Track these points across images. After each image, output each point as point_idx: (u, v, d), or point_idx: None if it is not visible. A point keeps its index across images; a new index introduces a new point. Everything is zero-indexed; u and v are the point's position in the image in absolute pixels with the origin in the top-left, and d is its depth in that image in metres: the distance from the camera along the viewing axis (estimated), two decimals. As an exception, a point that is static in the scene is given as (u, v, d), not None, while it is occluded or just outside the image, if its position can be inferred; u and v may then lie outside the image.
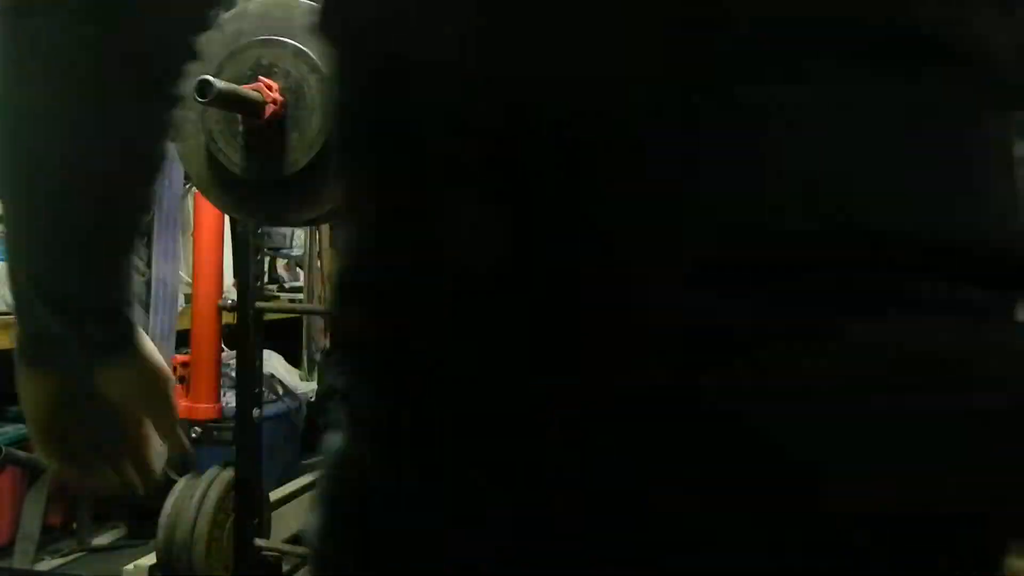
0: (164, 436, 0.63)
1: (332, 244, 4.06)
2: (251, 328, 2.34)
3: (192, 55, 0.57)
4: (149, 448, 0.64)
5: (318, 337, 4.01)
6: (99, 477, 0.64)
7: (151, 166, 0.59)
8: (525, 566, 0.44)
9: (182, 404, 2.87)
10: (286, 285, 3.79)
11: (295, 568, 2.57)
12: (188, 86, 1.15)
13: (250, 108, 1.21)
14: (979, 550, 0.43)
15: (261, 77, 1.22)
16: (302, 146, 1.23)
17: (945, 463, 0.39)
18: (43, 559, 2.84)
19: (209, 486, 2.50)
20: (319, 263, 4.02)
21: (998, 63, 0.39)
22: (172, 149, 3.06)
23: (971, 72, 0.38)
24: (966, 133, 0.39)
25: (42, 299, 0.56)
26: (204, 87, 1.13)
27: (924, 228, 0.37)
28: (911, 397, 0.38)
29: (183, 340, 3.06)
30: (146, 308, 3.04)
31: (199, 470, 2.62)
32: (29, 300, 0.56)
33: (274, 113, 1.23)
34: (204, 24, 0.56)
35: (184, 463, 3.08)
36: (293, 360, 3.66)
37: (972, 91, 0.39)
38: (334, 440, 0.50)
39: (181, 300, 3.26)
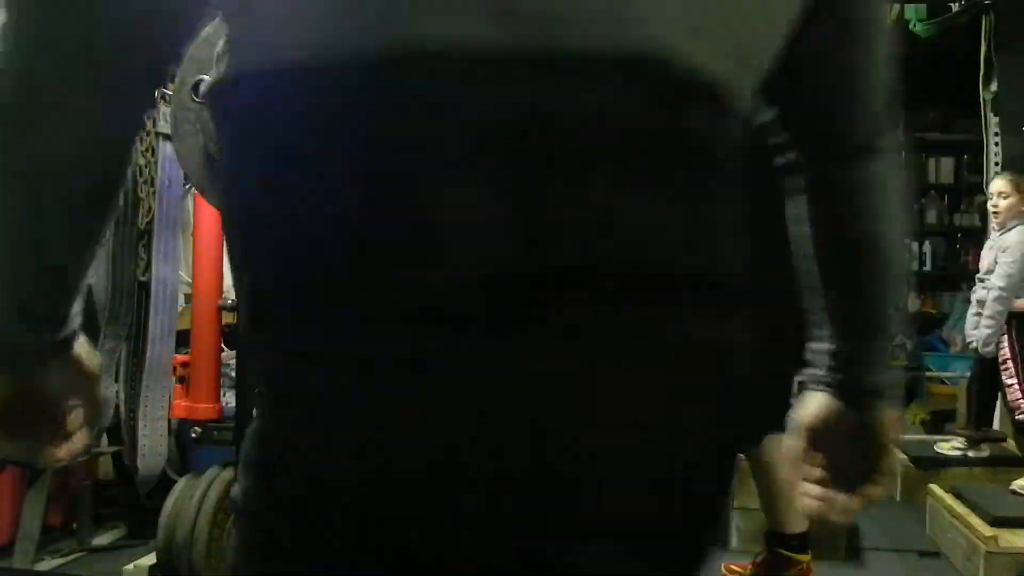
0: (90, 418, 0.74)
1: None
2: (251, 328, 2.33)
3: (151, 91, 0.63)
4: (73, 426, 0.75)
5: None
6: (42, 453, 0.74)
7: (111, 189, 0.64)
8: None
9: (182, 404, 2.87)
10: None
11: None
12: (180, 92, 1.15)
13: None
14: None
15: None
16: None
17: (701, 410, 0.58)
18: (43, 559, 2.84)
19: (209, 486, 2.50)
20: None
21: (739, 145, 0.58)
22: (170, 149, 3.02)
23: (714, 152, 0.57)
24: (720, 197, 0.58)
25: (13, 311, 0.64)
26: (201, 87, 1.13)
27: (682, 256, 0.56)
28: (670, 368, 0.56)
29: (183, 340, 3.06)
30: (146, 308, 3.05)
31: (199, 470, 2.62)
32: None
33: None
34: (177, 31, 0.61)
35: (181, 461, 3.09)
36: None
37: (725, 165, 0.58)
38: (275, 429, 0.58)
39: (181, 300, 3.26)
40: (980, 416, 3.80)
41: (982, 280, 3.59)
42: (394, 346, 0.52)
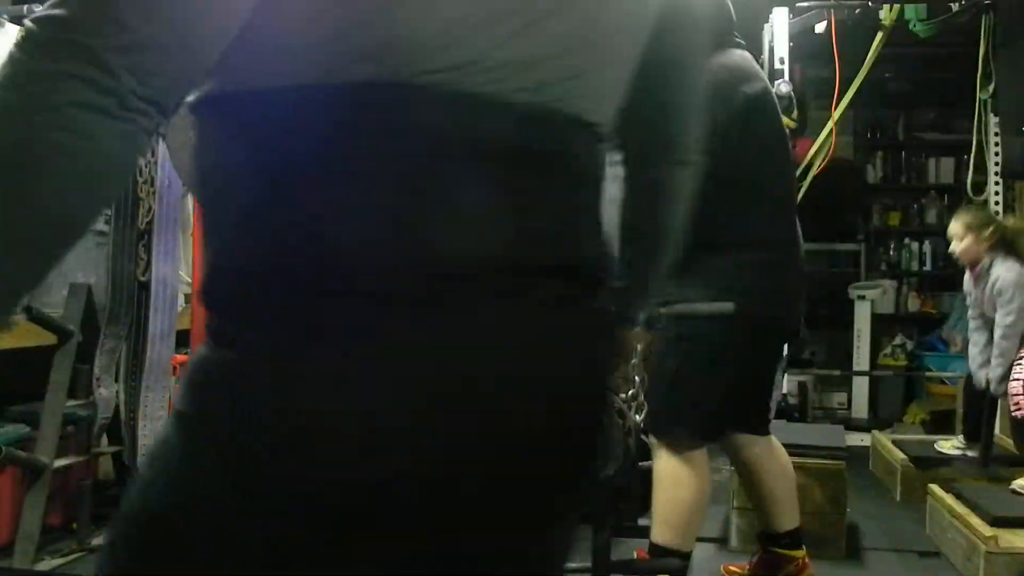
0: None
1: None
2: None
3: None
4: None
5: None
6: None
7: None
8: None
9: (182, 404, 2.86)
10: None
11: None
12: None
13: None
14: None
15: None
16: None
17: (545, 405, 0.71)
18: (43, 559, 2.85)
19: (208, 486, 2.49)
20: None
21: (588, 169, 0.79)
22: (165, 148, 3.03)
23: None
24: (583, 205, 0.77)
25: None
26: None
27: (550, 254, 0.72)
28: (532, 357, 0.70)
29: (183, 340, 3.06)
30: (146, 308, 3.05)
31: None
32: None
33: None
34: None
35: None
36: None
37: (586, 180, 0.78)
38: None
39: (181, 300, 3.26)
40: (975, 430, 3.80)
41: (975, 318, 3.62)
42: (340, 320, 0.64)
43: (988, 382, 3.49)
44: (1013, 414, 3.31)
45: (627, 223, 1.01)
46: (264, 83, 0.66)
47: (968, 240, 3.51)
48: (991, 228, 3.49)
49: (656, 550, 2.31)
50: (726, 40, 2.39)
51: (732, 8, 2.44)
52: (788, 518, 2.55)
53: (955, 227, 3.58)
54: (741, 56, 2.40)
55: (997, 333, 3.41)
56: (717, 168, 2.21)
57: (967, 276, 3.68)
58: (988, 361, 3.50)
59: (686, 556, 2.32)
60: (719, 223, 2.23)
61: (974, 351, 3.64)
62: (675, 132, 0.99)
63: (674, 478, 2.31)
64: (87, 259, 3.17)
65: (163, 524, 0.67)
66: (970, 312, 3.68)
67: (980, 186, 4.46)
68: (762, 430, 2.57)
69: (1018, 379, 3.30)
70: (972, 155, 4.28)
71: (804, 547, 2.60)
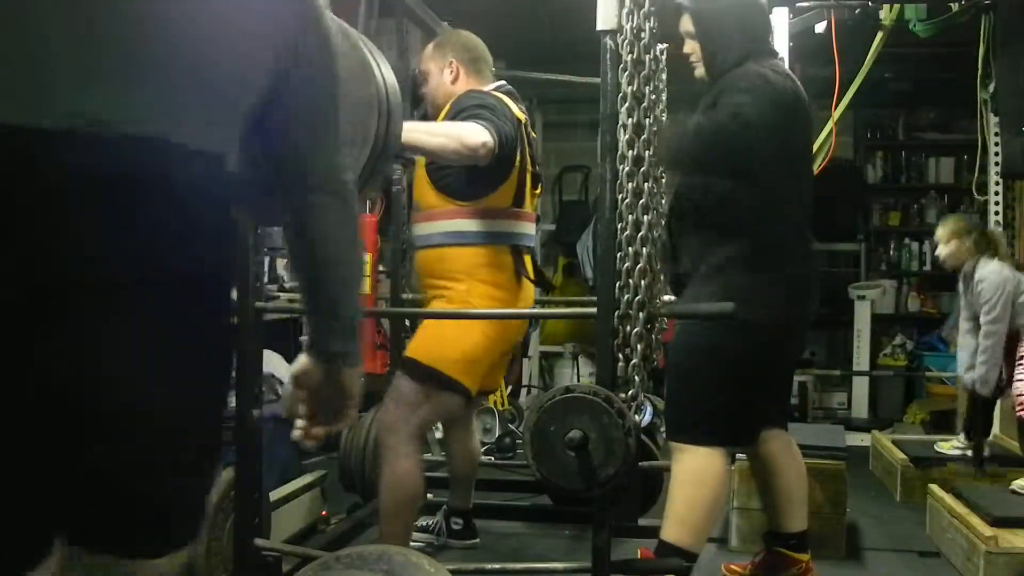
0: None
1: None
2: (251, 328, 2.33)
3: None
4: None
5: (318, 337, 3.99)
6: None
7: None
8: None
9: (182, 404, 2.85)
10: (286, 285, 3.78)
11: (295, 568, 2.57)
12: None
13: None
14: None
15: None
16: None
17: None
18: (43, 559, 2.84)
19: (209, 486, 2.49)
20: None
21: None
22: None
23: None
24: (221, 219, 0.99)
25: None
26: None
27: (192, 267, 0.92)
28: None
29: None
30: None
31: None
32: None
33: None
34: None
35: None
36: (293, 360, 3.64)
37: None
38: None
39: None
40: (977, 429, 3.81)
41: (966, 320, 3.63)
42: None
43: (974, 383, 3.50)
44: (1019, 414, 3.31)
45: (293, 255, 1.14)
46: None
47: (952, 245, 3.58)
48: (974, 234, 3.57)
49: (665, 548, 2.29)
50: (763, 47, 2.42)
51: (768, 16, 2.48)
52: (798, 519, 2.55)
53: (940, 232, 3.65)
54: (777, 64, 2.44)
55: (982, 332, 3.43)
56: (751, 175, 2.24)
57: (960, 284, 3.71)
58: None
59: (693, 557, 2.31)
60: (742, 229, 2.25)
61: (963, 355, 3.66)
62: (309, 162, 1.07)
63: (697, 479, 2.30)
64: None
65: None
66: (962, 314, 3.70)
67: (982, 186, 4.45)
68: (782, 423, 2.58)
69: (1022, 379, 3.30)
70: (978, 155, 4.27)
71: (808, 551, 2.60)
